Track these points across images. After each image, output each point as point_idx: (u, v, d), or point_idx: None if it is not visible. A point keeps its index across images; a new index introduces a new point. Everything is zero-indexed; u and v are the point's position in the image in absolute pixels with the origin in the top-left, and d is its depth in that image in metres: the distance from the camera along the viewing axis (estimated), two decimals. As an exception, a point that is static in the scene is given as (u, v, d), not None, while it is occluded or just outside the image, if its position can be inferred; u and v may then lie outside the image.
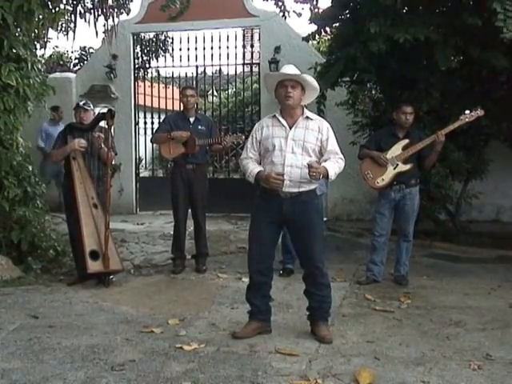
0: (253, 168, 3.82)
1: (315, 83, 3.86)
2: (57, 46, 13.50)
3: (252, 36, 9.85)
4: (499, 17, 4.96)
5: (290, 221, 3.79)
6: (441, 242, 7.20)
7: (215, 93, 11.33)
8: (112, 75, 9.68)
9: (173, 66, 10.13)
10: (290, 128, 3.78)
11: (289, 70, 3.80)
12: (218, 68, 9.83)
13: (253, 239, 3.89)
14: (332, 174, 3.75)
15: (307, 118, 3.82)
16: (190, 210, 5.91)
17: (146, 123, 9.96)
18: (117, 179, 9.22)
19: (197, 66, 9.87)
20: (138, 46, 10.87)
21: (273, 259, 3.94)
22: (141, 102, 10.03)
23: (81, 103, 5.58)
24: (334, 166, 3.77)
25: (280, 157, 3.74)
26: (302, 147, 3.74)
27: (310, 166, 3.63)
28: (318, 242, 3.80)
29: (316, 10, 7.00)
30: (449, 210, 7.57)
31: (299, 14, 7.30)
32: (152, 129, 9.28)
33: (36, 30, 6.24)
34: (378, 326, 4.13)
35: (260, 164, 3.87)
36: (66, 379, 3.13)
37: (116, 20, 7.01)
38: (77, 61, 13.34)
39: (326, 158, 3.80)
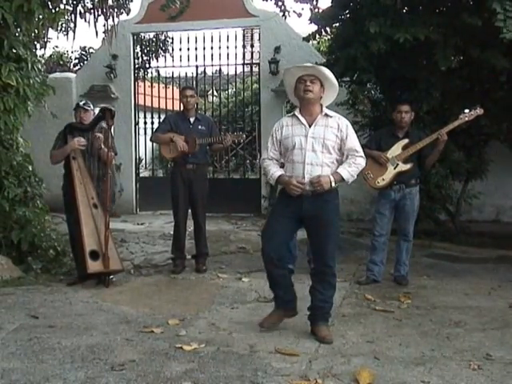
0: (274, 171, 3.86)
1: (333, 78, 3.87)
2: (57, 46, 13.55)
3: (252, 36, 9.87)
4: (499, 17, 4.95)
5: (308, 218, 3.79)
6: (441, 242, 7.21)
7: (215, 93, 11.34)
8: (112, 75, 9.69)
9: (173, 66, 10.15)
10: (310, 126, 3.79)
11: (304, 64, 3.89)
12: (217, 68, 9.85)
13: (266, 230, 3.91)
14: (348, 177, 3.76)
15: (326, 115, 3.82)
16: (190, 210, 5.92)
17: (146, 123, 9.97)
18: (117, 179, 9.22)
19: (197, 66, 9.88)
20: (138, 46, 10.88)
21: (285, 252, 3.94)
22: (141, 102, 10.05)
23: (81, 103, 5.59)
24: (350, 168, 3.77)
25: (300, 155, 3.76)
26: (322, 145, 3.75)
27: (311, 183, 3.69)
28: (332, 241, 3.81)
29: (316, 10, 7.00)
30: (449, 209, 7.57)
31: (299, 15, 7.31)
32: (152, 129, 9.26)
33: (36, 30, 6.23)
34: (378, 326, 4.13)
35: (281, 163, 3.93)
36: (66, 379, 3.13)
37: (116, 20, 7.01)
38: (77, 61, 13.36)
39: (346, 155, 3.81)
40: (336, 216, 3.86)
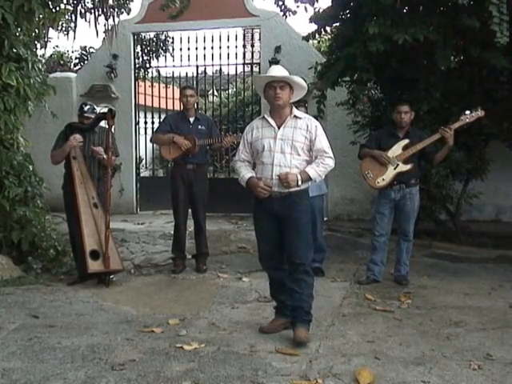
0: (245, 173, 3.89)
1: (303, 82, 3.90)
2: (57, 46, 13.50)
3: (252, 36, 9.85)
4: (494, 20, 4.95)
5: (280, 218, 3.81)
6: (441, 241, 7.21)
7: (215, 92, 11.34)
8: (112, 75, 9.68)
9: (173, 66, 10.13)
10: (279, 128, 3.81)
11: (276, 71, 3.85)
12: (218, 68, 9.83)
13: (258, 238, 3.99)
14: (315, 177, 3.79)
15: (295, 117, 3.84)
16: (190, 210, 5.92)
17: (146, 123, 9.97)
18: (117, 179, 9.22)
19: (197, 66, 9.87)
20: (139, 46, 10.87)
21: (282, 252, 3.90)
22: (141, 102, 10.03)
23: (85, 108, 5.48)
24: (318, 167, 3.78)
25: (269, 157, 3.78)
26: (290, 146, 3.76)
27: (279, 179, 3.72)
28: (301, 240, 3.77)
29: (316, 10, 6.99)
30: (449, 209, 7.57)
31: (294, 12, 7.29)
32: (152, 128, 9.27)
33: (36, 30, 6.25)
34: (379, 325, 4.13)
35: (253, 164, 3.94)
36: (67, 379, 3.14)
37: (116, 20, 7.01)
38: (77, 60, 13.32)
39: (315, 155, 3.82)
40: (305, 215, 3.84)
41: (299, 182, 3.73)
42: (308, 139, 3.80)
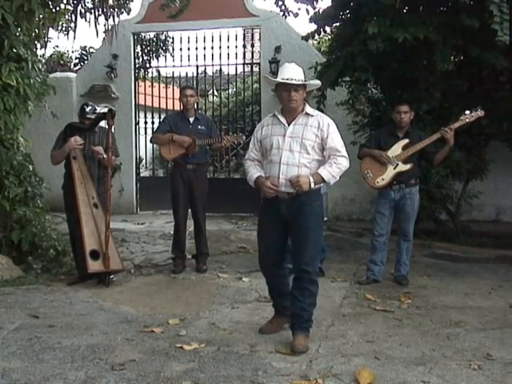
0: (253, 173, 3.78)
1: (318, 83, 3.85)
2: (57, 46, 13.52)
3: (252, 36, 9.86)
4: (495, 19, 4.95)
5: (288, 221, 3.70)
6: (441, 241, 7.20)
7: (215, 92, 11.35)
8: (112, 75, 9.69)
9: (173, 66, 10.15)
10: (289, 125, 3.69)
11: (291, 72, 3.63)
12: (218, 68, 9.85)
13: (260, 240, 3.92)
14: (329, 178, 3.63)
15: (307, 114, 3.70)
16: (190, 210, 5.92)
17: (146, 123, 9.98)
18: (117, 179, 9.23)
19: (197, 66, 9.88)
20: (139, 46, 10.88)
21: (283, 258, 3.84)
22: (141, 102, 10.04)
23: (87, 109, 5.46)
24: (330, 168, 3.62)
25: (277, 155, 3.65)
26: (300, 144, 3.62)
27: (290, 183, 3.59)
28: (310, 245, 3.64)
29: (316, 10, 7.00)
30: (449, 209, 7.57)
31: (296, 14, 7.30)
32: (152, 128, 9.28)
33: (36, 30, 6.25)
34: (379, 325, 4.13)
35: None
36: (67, 379, 3.14)
37: (116, 20, 7.00)
38: (77, 60, 13.34)
39: (328, 155, 3.68)
40: (315, 219, 3.69)
41: (312, 185, 3.57)
42: (319, 137, 3.64)
